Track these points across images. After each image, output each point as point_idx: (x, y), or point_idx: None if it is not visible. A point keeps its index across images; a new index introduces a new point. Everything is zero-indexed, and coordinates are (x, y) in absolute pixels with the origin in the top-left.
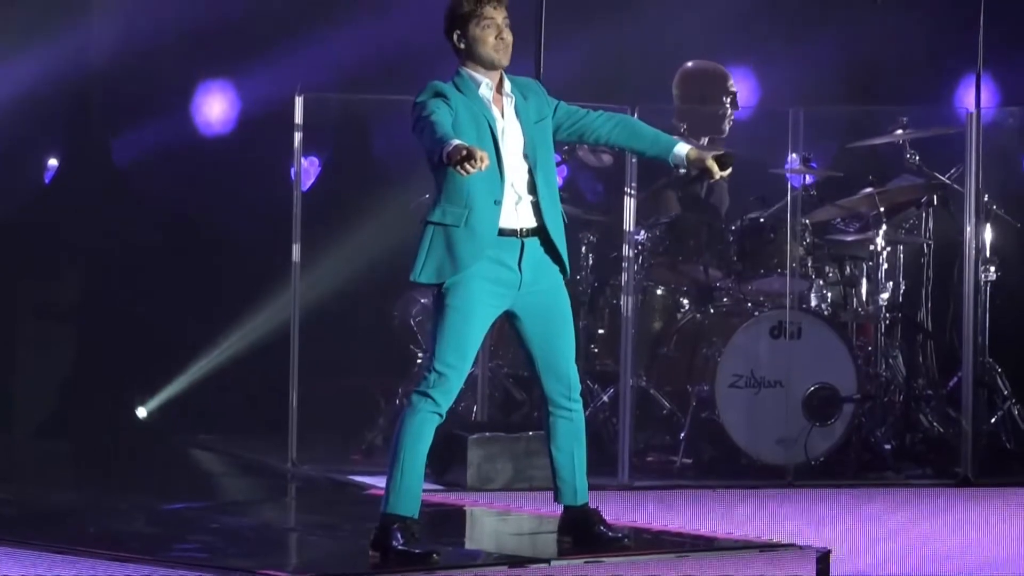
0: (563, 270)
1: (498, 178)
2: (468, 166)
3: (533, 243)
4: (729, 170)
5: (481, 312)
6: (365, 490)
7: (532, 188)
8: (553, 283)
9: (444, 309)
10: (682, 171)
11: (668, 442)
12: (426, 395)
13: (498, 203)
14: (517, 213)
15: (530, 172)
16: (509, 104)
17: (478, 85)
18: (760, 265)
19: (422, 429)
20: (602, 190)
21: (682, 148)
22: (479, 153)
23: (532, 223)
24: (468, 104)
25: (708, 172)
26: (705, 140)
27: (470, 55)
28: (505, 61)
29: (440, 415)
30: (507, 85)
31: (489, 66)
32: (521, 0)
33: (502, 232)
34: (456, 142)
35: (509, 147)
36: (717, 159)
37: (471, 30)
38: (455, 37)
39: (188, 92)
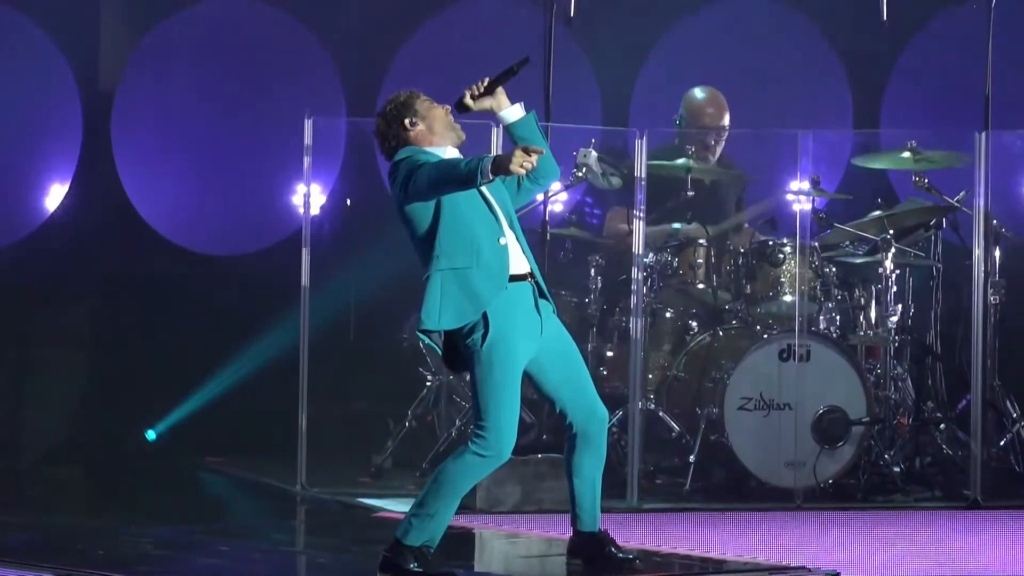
0: (553, 307)
1: (493, 219)
2: (533, 157)
3: (534, 286)
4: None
5: (522, 364)
6: (374, 512)
7: (514, 235)
8: (556, 322)
9: (490, 367)
10: (507, 121)
11: (677, 464)
12: (482, 456)
13: (501, 241)
14: (516, 259)
15: (508, 220)
16: None
17: (443, 151)
18: (769, 288)
19: (469, 485)
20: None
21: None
22: (528, 147)
23: (527, 267)
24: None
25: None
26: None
27: (430, 131)
28: (462, 134)
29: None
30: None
31: (450, 139)
32: (530, 25)
33: (514, 278)
34: (490, 154)
35: (490, 195)
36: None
37: (421, 110)
38: (407, 123)
39: (197, 116)
